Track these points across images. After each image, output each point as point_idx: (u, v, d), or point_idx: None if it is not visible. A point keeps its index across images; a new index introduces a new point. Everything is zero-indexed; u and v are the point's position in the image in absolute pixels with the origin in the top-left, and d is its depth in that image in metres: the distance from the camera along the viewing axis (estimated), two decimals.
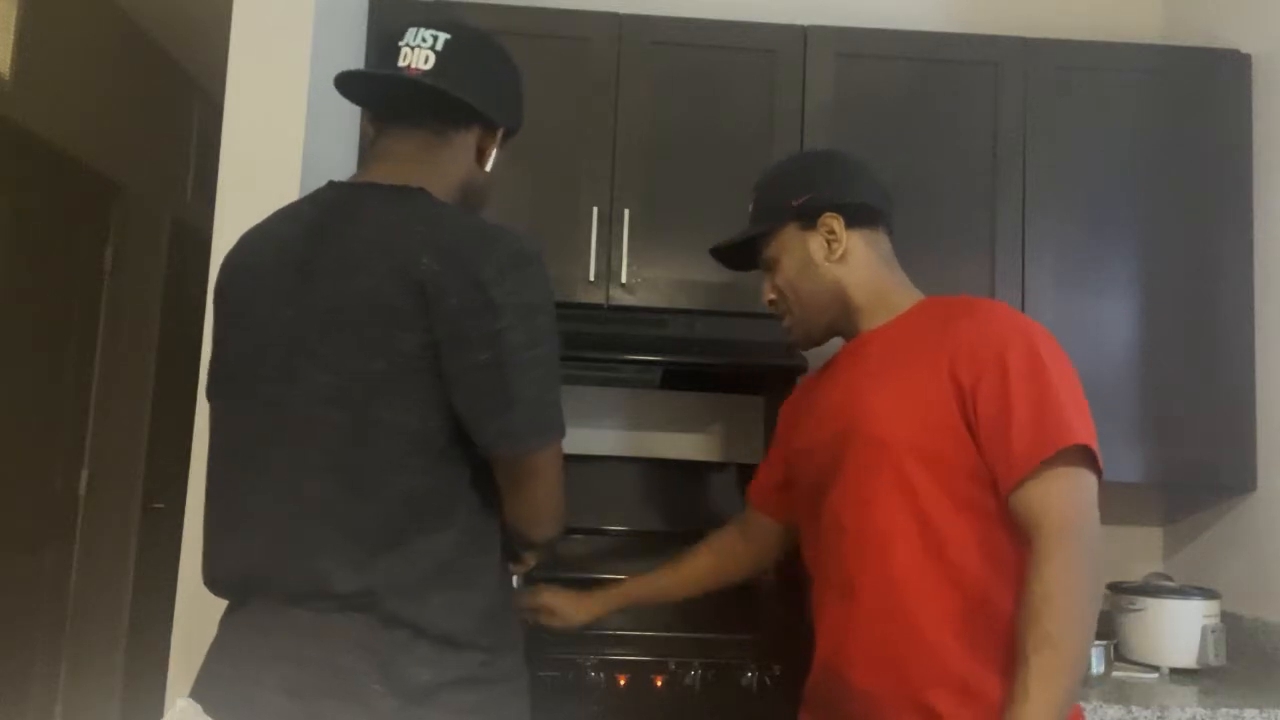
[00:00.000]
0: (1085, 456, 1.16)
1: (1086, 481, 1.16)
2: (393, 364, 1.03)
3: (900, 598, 1.20)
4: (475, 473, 1.09)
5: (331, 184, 1.18)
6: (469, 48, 1.19)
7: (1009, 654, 1.12)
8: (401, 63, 1.15)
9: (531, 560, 1.35)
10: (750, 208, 1.45)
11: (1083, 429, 1.16)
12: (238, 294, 1.16)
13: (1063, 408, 1.16)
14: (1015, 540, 1.18)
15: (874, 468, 1.24)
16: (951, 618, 1.18)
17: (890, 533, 1.21)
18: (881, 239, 1.38)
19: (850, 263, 1.35)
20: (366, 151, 1.23)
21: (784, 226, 1.38)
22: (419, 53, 1.15)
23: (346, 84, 1.19)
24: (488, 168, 1.23)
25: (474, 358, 1.03)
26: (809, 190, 1.37)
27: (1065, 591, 1.08)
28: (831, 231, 1.35)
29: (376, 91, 1.21)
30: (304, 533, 1.05)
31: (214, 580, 1.14)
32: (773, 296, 1.42)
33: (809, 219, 1.36)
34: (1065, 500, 1.14)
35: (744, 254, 1.47)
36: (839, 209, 1.35)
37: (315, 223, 1.13)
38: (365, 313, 1.04)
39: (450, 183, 1.18)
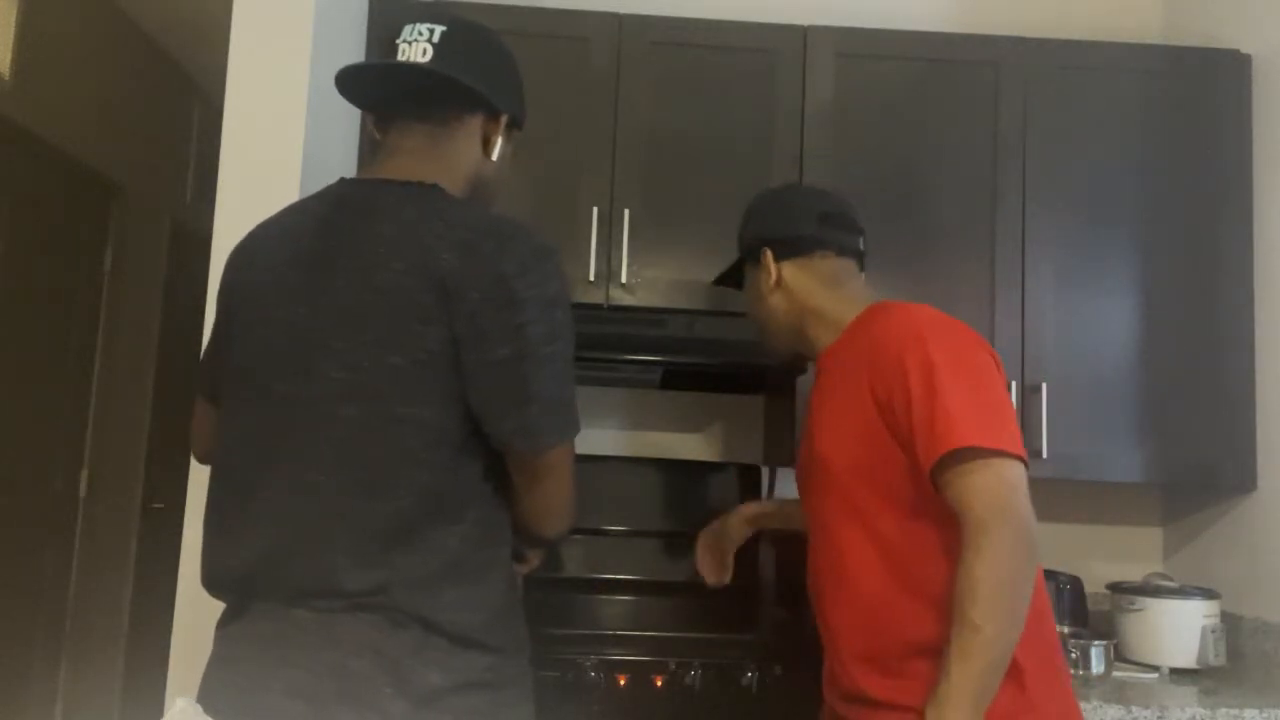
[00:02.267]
0: (990, 450, 1.15)
1: (1001, 470, 1.15)
2: (413, 359, 1.03)
3: (858, 607, 1.26)
4: (488, 468, 1.09)
5: (342, 180, 1.18)
6: (465, 37, 1.18)
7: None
8: (400, 59, 1.15)
9: (535, 560, 1.35)
10: None
11: (974, 428, 1.16)
12: (246, 291, 1.15)
13: (949, 410, 1.17)
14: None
15: (827, 493, 1.32)
16: (923, 626, 1.20)
17: (846, 554, 1.27)
18: (820, 262, 1.43)
19: (786, 290, 1.44)
20: (373, 150, 1.22)
21: (745, 265, 1.52)
22: (416, 46, 1.15)
23: (346, 83, 1.19)
24: (494, 156, 1.22)
25: (495, 352, 1.03)
26: (750, 230, 1.50)
27: (984, 580, 1.11)
28: (765, 266, 1.45)
29: (376, 89, 1.20)
30: (316, 529, 1.04)
31: (215, 581, 1.12)
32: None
33: (752, 256, 1.48)
34: (977, 493, 1.14)
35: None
36: (768, 244, 1.45)
37: (327, 219, 1.12)
38: (383, 309, 1.04)
39: (460, 175, 1.18)
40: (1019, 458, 1.17)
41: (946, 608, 1.16)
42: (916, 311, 1.29)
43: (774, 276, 1.44)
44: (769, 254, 1.44)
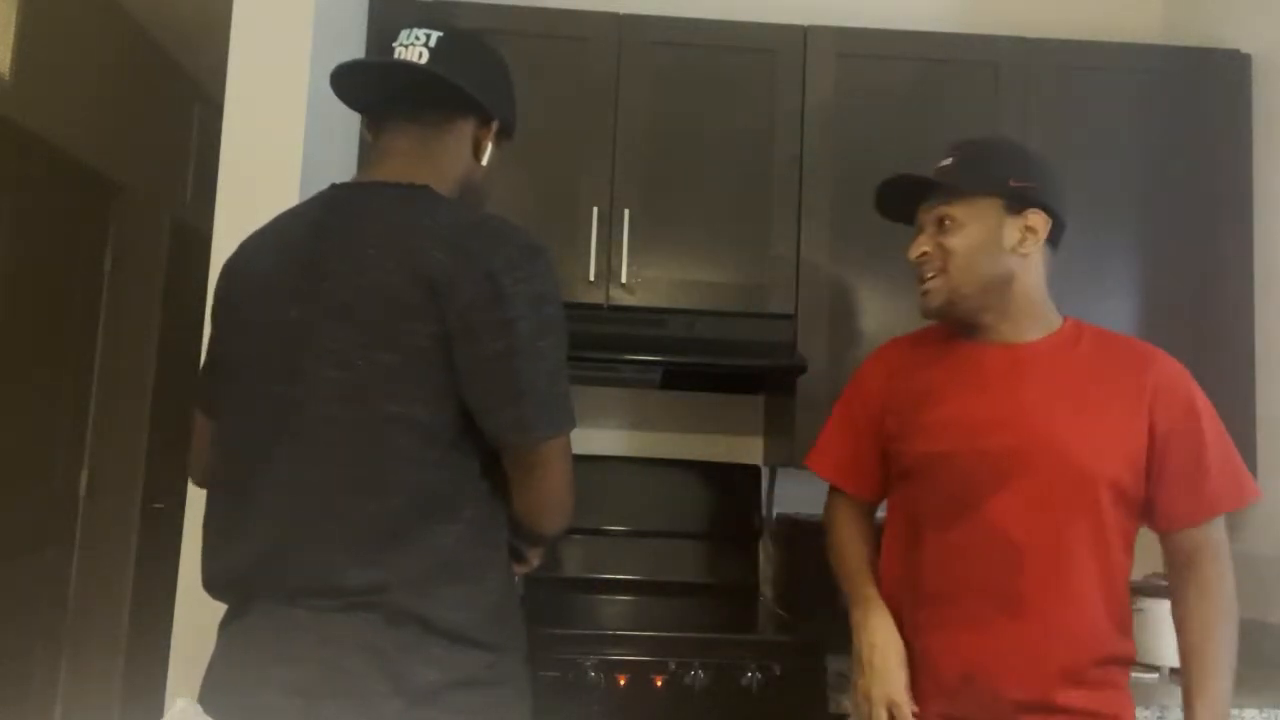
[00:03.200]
0: None
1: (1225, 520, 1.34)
2: (404, 358, 1.05)
3: (1074, 619, 1.28)
4: (483, 466, 1.10)
5: (334, 185, 1.19)
6: (461, 44, 1.20)
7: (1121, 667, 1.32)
8: (401, 59, 1.17)
9: (535, 560, 1.35)
10: (948, 162, 1.40)
11: (1252, 489, 1.34)
12: (241, 296, 1.16)
13: (1240, 463, 1.33)
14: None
15: (1065, 493, 1.28)
16: (1114, 643, 1.30)
17: (1075, 557, 1.28)
18: (1052, 259, 1.40)
19: (1026, 262, 1.36)
20: (366, 152, 1.24)
21: (989, 197, 1.35)
22: (413, 50, 1.17)
23: (341, 83, 1.20)
24: (484, 161, 1.24)
25: (485, 348, 1.05)
26: (1033, 181, 1.35)
27: (1228, 614, 1.32)
28: (1032, 228, 1.34)
29: (371, 89, 1.22)
30: (313, 528, 1.06)
31: (215, 581, 1.14)
32: (926, 250, 1.38)
33: (1019, 205, 1.34)
34: (1223, 537, 1.34)
35: (906, 203, 1.44)
36: (1049, 212, 1.35)
37: (320, 223, 1.14)
38: (375, 309, 1.06)
39: (449, 178, 1.20)
40: None
41: (1127, 626, 1.32)
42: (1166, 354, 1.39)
43: (1030, 243, 1.34)
44: (1046, 222, 1.35)
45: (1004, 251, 1.33)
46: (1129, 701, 1.33)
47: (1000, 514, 1.29)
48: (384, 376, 1.05)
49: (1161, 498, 1.31)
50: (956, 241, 1.34)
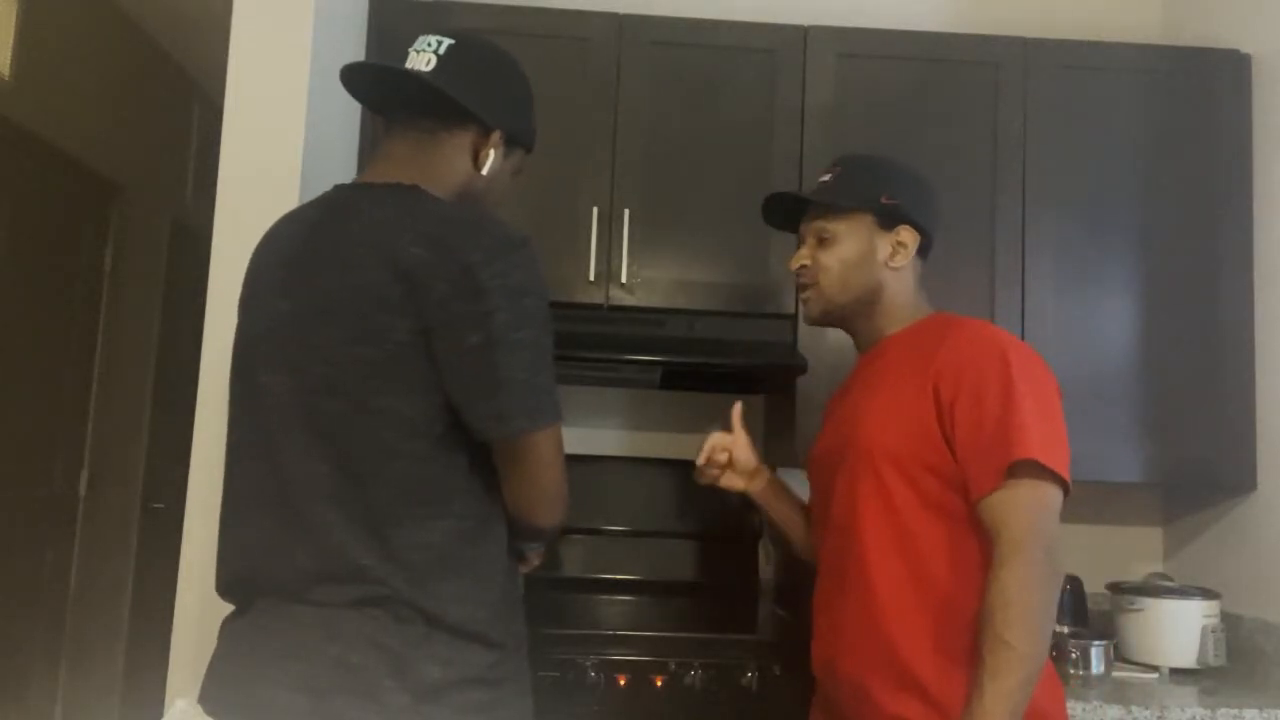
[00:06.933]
0: (1047, 469, 1.20)
1: (1045, 493, 1.21)
2: (386, 352, 1.05)
3: (874, 595, 1.27)
4: (472, 461, 1.10)
5: (336, 186, 1.22)
6: (472, 53, 1.22)
7: (970, 652, 1.19)
8: (408, 67, 1.19)
9: (536, 559, 1.36)
10: (828, 178, 1.45)
11: (1040, 443, 1.20)
12: (246, 290, 1.21)
13: (1024, 423, 1.21)
14: (984, 546, 1.23)
15: (862, 473, 1.31)
16: (913, 615, 1.24)
17: (867, 532, 1.29)
18: (923, 267, 1.46)
19: (896, 274, 1.41)
20: (369, 155, 1.27)
21: (864, 213, 1.40)
22: (422, 56, 1.19)
23: (349, 83, 1.24)
24: (484, 170, 1.23)
25: (463, 341, 1.05)
26: (904, 198, 1.41)
27: (1018, 597, 1.15)
28: (903, 244, 1.40)
29: (375, 90, 1.25)
30: (307, 521, 1.07)
31: (224, 583, 1.15)
32: (806, 263, 1.44)
33: (891, 221, 1.40)
34: (1023, 510, 1.19)
35: (791, 213, 1.49)
36: (920, 231, 1.41)
37: (315, 223, 1.16)
38: (358, 303, 1.07)
39: (445, 184, 1.20)
40: (1066, 487, 1.22)
41: (932, 599, 1.23)
42: (997, 329, 1.36)
43: (903, 258, 1.40)
44: (916, 237, 1.40)
45: (876, 265, 1.40)
46: None
47: (836, 502, 1.36)
48: (365, 371, 1.06)
49: (961, 471, 1.25)
50: (832, 256, 1.41)
